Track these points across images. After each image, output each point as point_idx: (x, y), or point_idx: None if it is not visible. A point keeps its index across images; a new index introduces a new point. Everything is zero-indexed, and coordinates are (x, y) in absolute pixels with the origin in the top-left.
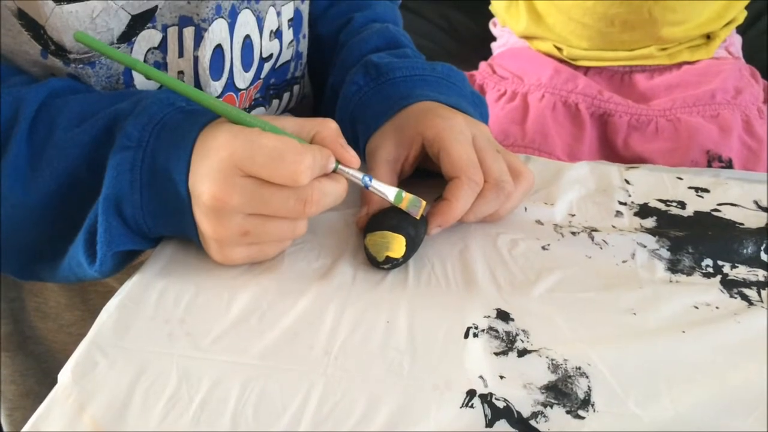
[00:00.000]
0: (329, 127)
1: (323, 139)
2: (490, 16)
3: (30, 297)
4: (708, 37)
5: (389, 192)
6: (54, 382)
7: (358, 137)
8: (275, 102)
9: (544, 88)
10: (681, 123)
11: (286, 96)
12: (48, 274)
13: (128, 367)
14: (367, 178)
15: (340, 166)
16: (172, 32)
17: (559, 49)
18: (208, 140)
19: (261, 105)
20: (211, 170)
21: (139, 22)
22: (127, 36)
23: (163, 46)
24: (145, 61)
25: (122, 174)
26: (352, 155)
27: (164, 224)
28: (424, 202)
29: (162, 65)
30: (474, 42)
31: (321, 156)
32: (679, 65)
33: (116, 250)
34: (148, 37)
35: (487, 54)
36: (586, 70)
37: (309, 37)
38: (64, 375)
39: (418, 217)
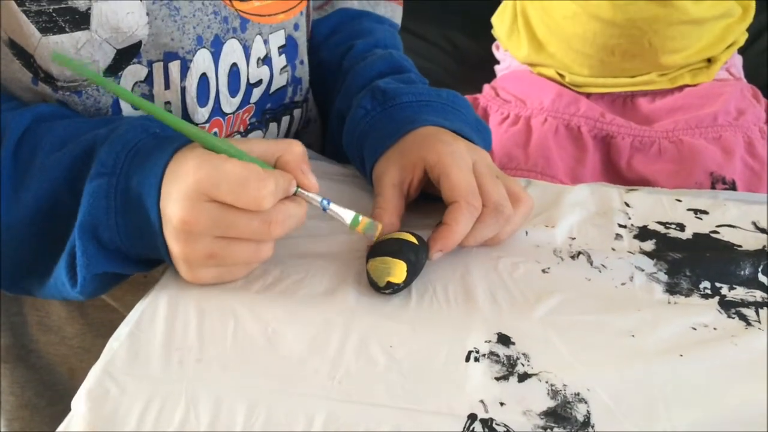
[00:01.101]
0: (293, 152)
1: (286, 163)
2: (493, 38)
3: (32, 311)
4: (709, 60)
5: (346, 215)
6: (54, 394)
7: (365, 159)
8: (273, 126)
9: (547, 112)
10: (684, 144)
11: (285, 120)
12: (37, 290)
13: (139, 394)
14: (325, 202)
15: (299, 190)
16: (158, 67)
17: (561, 75)
18: (178, 165)
19: (257, 129)
20: (180, 195)
21: (125, 57)
22: (114, 69)
23: (149, 79)
24: (132, 92)
25: (98, 200)
26: (311, 181)
27: (140, 246)
28: (380, 225)
29: (148, 97)
30: (477, 64)
31: (283, 180)
32: (681, 88)
33: (95, 272)
34: (134, 72)
35: (490, 76)
36: (588, 94)
37: (311, 63)
38: (78, 403)
39: (374, 240)
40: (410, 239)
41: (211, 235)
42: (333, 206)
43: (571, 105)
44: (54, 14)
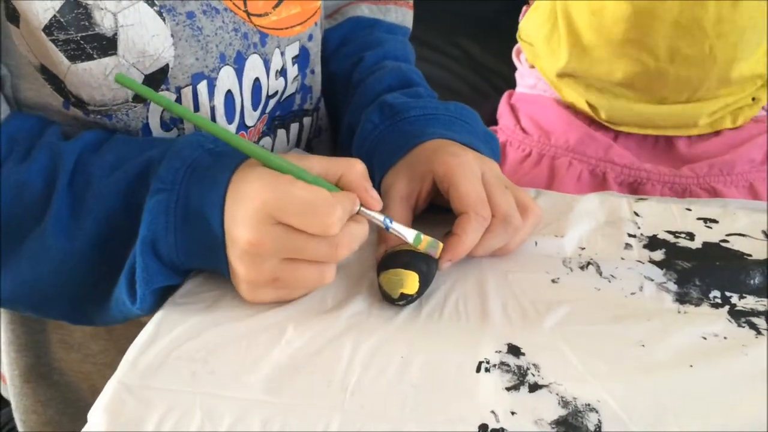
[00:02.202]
0: (355, 171)
1: (349, 183)
2: (505, 44)
3: (54, 330)
4: (753, 99)
5: (408, 234)
6: (76, 411)
7: (374, 173)
8: (281, 132)
9: (572, 154)
10: (716, 194)
11: (294, 127)
12: (98, 317)
13: (155, 406)
14: (387, 221)
15: (362, 209)
16: (186, 92)
17: (591, 107)
18: (241, 185)
19: (266, 135)
20: (246, 217)
21: (153, 83)
22: (143, 97)
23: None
24: (162, 118)
25: (157, 216)
26: (375, 199)
27: (198, 261)
28: (441, 244)
29: (179, 120)
30: (489, 71)
31: (349, 203)
32: (718, 132)
33: (154, 287)
34: None
35: (502, 83)
36: (617, 133)
37: (323, 74)
38: (95, 415)
39: (437, 257)
40: (422, 250)
41: (277, 257)
42: (395, 225)
43: (599, 149)
44: (82, 41)
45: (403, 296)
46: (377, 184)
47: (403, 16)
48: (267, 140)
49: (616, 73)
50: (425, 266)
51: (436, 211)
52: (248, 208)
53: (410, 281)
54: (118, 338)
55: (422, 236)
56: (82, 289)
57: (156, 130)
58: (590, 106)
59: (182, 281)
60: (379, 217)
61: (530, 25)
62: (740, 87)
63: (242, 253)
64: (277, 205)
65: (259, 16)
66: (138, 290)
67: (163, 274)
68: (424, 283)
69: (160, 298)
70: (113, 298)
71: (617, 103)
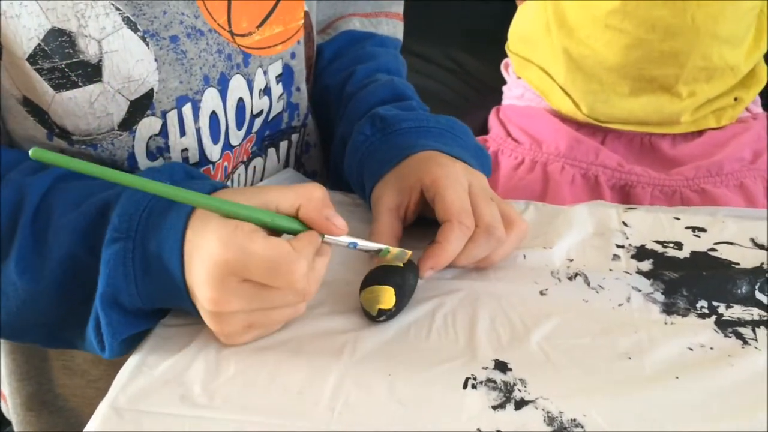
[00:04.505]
0: (314, 200)
1: (308, 214)
2: (497, 56)
3: (57, 356)
4: (735, 99)
5: (375, 249)
6: None
7: (364, 185)
8: (272, 151)
9: (563, 159)
10: (707, 195)
11: (283, 145)
12: (79, 344)
13: (145, 430)
14: (352, 245)
15: (326, 237)
16: (171, 116)
17: (577, 106)
18: (198, 238)
19: (258, 156)
20: (208, 276)
21: (138, 108)
22: (128, 123)
23: (164, 131)
24: (147, 147)
25: (116, 268)
26: (338, 226)
27: (165, 304)
28: (409, 252)
29: (165, 149)
30: (483, 82)
31: (311, 248)
32: (702, 132)
33: (121, 338)
34: (149, 125)
35: (496, 95)
36: (604, 136)
37: (315, 88)
38: None
39: (402, 264)
40: (395, 263)
41: (246, 310)
42: (361, 244)
43: (589, 152)
44: (66, 69)
45: (381, 312)
46: (367, 195)
47: (394, 28)
48: (258, 161)
49: (602, 51)
50: (400, 279)
51: (430, 225)
52: (208, 267)
53: (386, 296)
54: (119, 362)
55: (390, 249)
56: (54, 323)
57: (142, 158)
58: (575, 104)
59: (155, 322)
60: (344, 242)
61: (523, 23)
62: (722, 79)
63: (209, 313)
64: (237, 266)
65: (243, 36)
66: (105, 342)
67: (129, 324)
68: (401, 296)
69: (132, 342)
70: (87, 334)
71: (601, 97)
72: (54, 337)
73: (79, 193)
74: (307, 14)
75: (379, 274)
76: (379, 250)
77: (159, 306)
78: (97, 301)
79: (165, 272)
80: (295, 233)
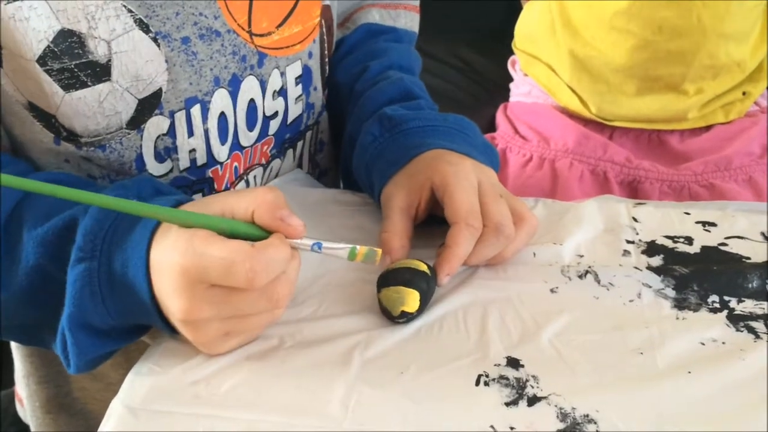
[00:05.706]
0: (266, 201)
1: (261, 217)
2: (504, 53)
3: None
4: (744, 94)
5: (342, 251)
6: None
7: (374, 185)
8: (290, 152)
9: (572, 155)
10: (715, 189)
11: (299, 144)
12: (53, 347)
13: (158, 428)
14: (316, 246)
15: (288, 241)
16: (179, 117)
17: (584, 104)
18: (159, 253)
19: (276, 158)
20: (175, 287)
21: (146, 107)
22: (136, 122)
23: (171, 131)
24: (155, 146)
25: (82, 289)
26: (294, 227)
27: (138, 320)
28: (379, 251)
29: (172, 149)
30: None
31: (277, 250)
32: (710, 126)
33: (87, 359)
34: (157, 124)
35: (504, 92)
36: (612, 132)
37: (328, 84)
38: None
39: (376, 264)
40: (422, 268)
41: (219, 317)
42: (326, 246)
43: (597, 148)
44: (75, 69)
45: (403, 314)
46: (376, 195)
47: (412, 20)
48: (277, 162)
49: (608, 52)
50: (425, 284)
51: (439, 224)
52: (172, 278)
53: (411, 299)
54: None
55: (357, 248)
56: (30, 325)
57: (150, 159)
58: (582, 102)
59: (132, 340)
60: (306, 244)
61: (528, 22)
62: (729, 75)
63: (183, 323)
64: (198, 271)
65: (262, 36)
66: (70, 360)
67: (97, 345)
68: (424, 301)
69: (105, 357)
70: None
71: (608, 98)
72: (32, 338)
73: (50, 204)
74: (328, 8)
75: (406, 275)
76: (347, 253)
77: (133, 322)
78: (64, 322)
79: (132, 290)
80: (256, 239)
